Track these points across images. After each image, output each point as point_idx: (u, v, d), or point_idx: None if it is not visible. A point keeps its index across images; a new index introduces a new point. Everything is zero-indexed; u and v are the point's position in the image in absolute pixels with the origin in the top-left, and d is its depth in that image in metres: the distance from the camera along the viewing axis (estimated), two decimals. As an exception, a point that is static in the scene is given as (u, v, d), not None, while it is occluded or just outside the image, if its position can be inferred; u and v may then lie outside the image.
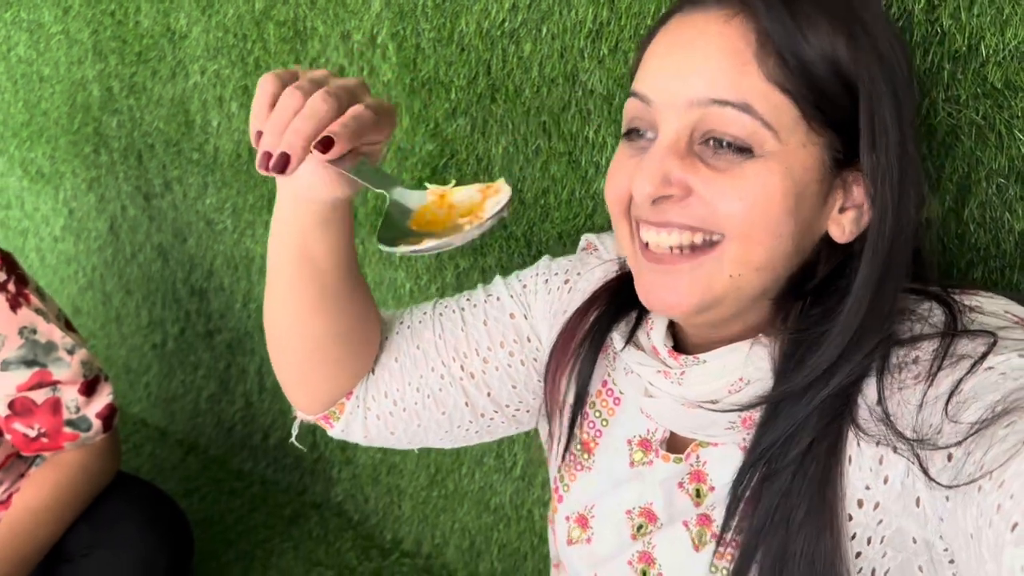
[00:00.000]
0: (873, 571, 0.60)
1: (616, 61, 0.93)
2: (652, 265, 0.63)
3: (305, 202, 0.69)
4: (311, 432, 1.68)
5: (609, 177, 0.65)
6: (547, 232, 1.09)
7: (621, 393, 0.76)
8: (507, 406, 0.84)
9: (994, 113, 0.73)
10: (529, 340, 0.82)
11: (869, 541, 0.60)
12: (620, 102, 0.95)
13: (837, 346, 0.59)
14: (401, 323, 0.86)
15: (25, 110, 1.92)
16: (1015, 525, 0.45)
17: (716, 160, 0.59)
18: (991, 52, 0.71)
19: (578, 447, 0.78)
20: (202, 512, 1.74)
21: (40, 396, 1.24)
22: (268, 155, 0.60)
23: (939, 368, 0.56)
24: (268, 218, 1.48)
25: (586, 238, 0.86)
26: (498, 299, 0.84)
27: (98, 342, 2.10)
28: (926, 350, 0.58)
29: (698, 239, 0.60)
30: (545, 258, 0.86)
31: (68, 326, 1.30)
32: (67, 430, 1.27)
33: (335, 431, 0.87)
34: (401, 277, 1.32)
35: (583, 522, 0.76)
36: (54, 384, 1.24)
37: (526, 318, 0.83)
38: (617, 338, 0.74)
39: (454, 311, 0.84)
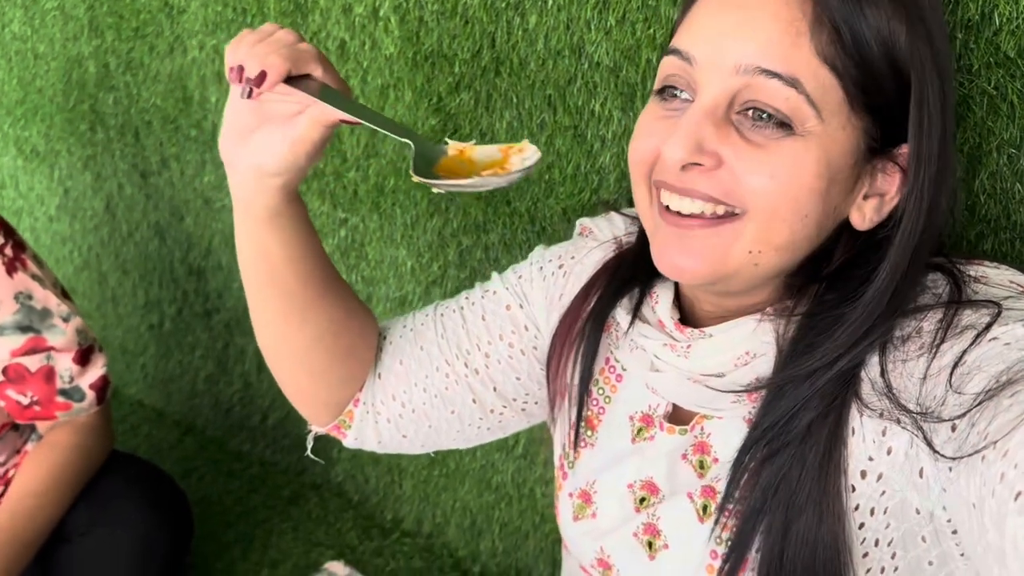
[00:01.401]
0: (876, 542, 0.60)
1: (623, 32, 0.92)
2: (670, 228, 0.61)
3: (255, 190, 0.69)
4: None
5: (635, 136, 0.63)
6: (551, 208, 1.08)
7: (624, 370, 0.76)
8: (514, 400, 0.84)
9: (1006, 83, 0.72)
10: (527, 329, 0.82)
11: (872, 512, 0.60)
12: (627, 75, 0.94)
13: (852, 333, 0.59)
14: (404, 327, 0.86)
15: (20, 88, 1.90)
16: (1019, 494, 0.45)
17: (753, 133, 0.57)
18: (1004, 21, 0.71)
19: (582, 424, 0.78)
20: (200, 493, 1.74)
21: (34, 363, 1.23)
22: (246, 76, 0.63)
23: (942, 339, 0.56)
24: (267, 196, 1.47)
25: (581, 222, 0.85)
26: (494, 293, 0.84)
27: (94, 322, 2.09)
28: (930, 321, 0.58)
29: (720, 210, 0.59)
30: (539, 247, 0.86)
31: (64, 295, 1.29)
32: (60, 399, 1.26)
33: (348, 440, 0.87)
34: (403, 255, 1.32)
35: (586, 498, 0.76)
36: (48, 351, 1.23)
37: (522, 307, 0.82)
38: (622, 315, 0.73)
39: (454, 311, 0.84)
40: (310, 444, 0.89)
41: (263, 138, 0.67)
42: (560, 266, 0.82)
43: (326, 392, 0.83)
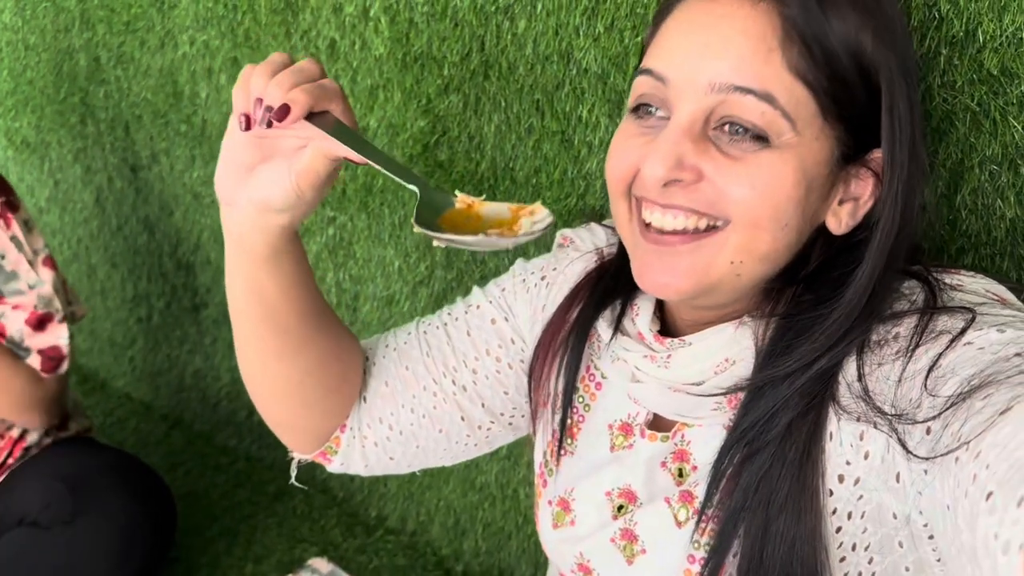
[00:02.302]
0: (854, 546, 0.61)
1: (611, 39, 0.93)
2: (651, 246, 0.61)
3: (255, 227, 0.67)
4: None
5: (612, 154, 0.63)
6: (538, 211, 1.08)
7: (604, 378, 0.76)
8: (502, 414, 0.84)
9: (989, 99, 0.72)
10: (513, 342, 0.82)
11: (850, 516, 0.60)
12: (615, 81, 0.95)
13: (831, 334, 0.59)
14: (386, 346, 0.84)
15: (10, 79, 1.89)
16: (990, 494, 0.45)
17: (731, 147, 0.58)
18: (988, 38, 0.71)
19: (564, 434, 0.79)
20: (186, 487, 1.74)
21: None
22: (269, 108, 0.60)
23: (918, 344, 0.57)
24: (256, 192, 1.47)
25: (561, 233, 0.85)
26: (478, 307, 0.83)
27: (83, 315, 2.08)
28: (906, 326, 0.59)
29: (702, 224, 0.59)
30: (519, 261, 0.86)
31: (51, 265, 1.28)
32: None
33: (334, 466, 0.85)
34: (390, 254, 1.32)
35: (565, 505, 0.76)
36: (2, 305, 1.22)
37: (507, 320, 0.82)
38: (603, 327, 0.74)
39: (437, 327, 0.83)
40: (294, 472, 0.87)
41: (267, 173, 0.64)
42: (543, 278, 0.82)
43: (314, 422, 0.81)
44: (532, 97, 1.02)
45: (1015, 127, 0.72)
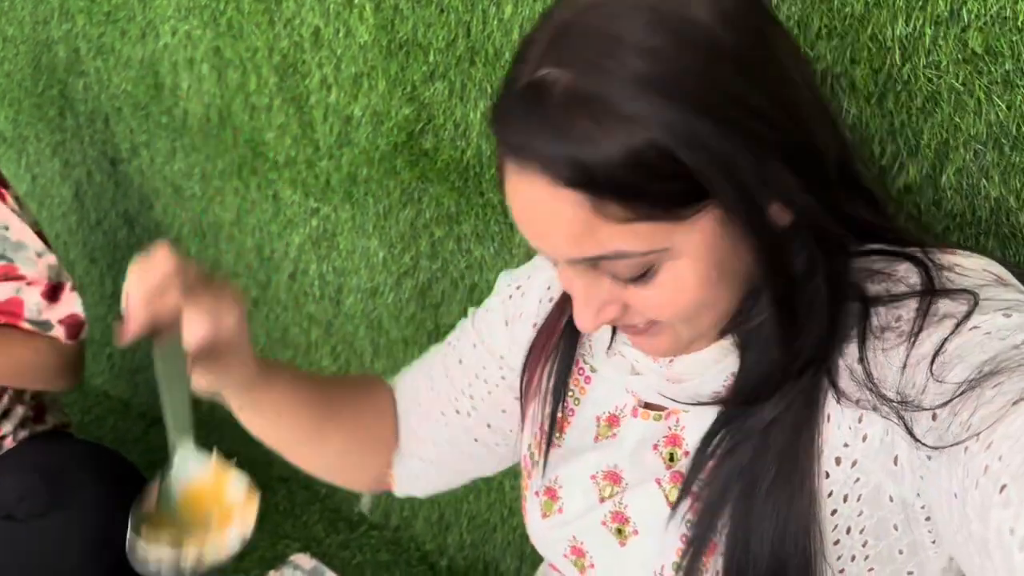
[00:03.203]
0: (848, 530, 0.60)
1: (598, 24, 0.93)
2: (628, 334, 0.66)
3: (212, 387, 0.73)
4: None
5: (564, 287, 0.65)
6: (524, 199, 1.08)
7: (593, 371, 0.77)
8: (510, 431, 0.85)
9: (974, 79, 0.73)
10: (502, 358, 0.84)
11: (845, 499, 0.60)
12: (601, 66, 0.95)
13: (775, 333, 0.60)
14: (404, 384, 0.89)
15: (-13, 72, 1.87)
16: (1003, 487, 0.45)
17: (628, 284, 0.58)
18: (973, 17, 0.71)
19: (548, 425, 0.79)
20: (166, 484, 1.71)
21: (3, 291, 1.23)
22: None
23: (920, 328, 0.56)
24: (237, 184, 1.46)
25: None
26: (464, 333, 0.86)
27: (60, 312, 2.06)
28: (907, 310, 0.58)
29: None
30: (503, 273, 0.87)
31: (42, 238, 1.28)
32: (27, 326, 1.26)
33: (399, 492, 0.91)
34: (374, 245, 1.31)
35: (552, 494, 0.76)
36: (19, 280, 1.23)
37: (484, 342, 0.84)
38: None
39: (440, 358, 0.87)
40: (368, 508, 0.93)
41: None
42: (518, 287, 0.84)
43: (363, 473, 0.89)
44: (518, 83, 1.02)
45: (999, 106, 0.73)
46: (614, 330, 0.74)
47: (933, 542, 0.59)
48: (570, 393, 0.78)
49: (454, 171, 1.13)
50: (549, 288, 0.82)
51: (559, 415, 0.78)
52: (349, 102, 1.21)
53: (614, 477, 0.72)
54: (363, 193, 1.27)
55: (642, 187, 0.52)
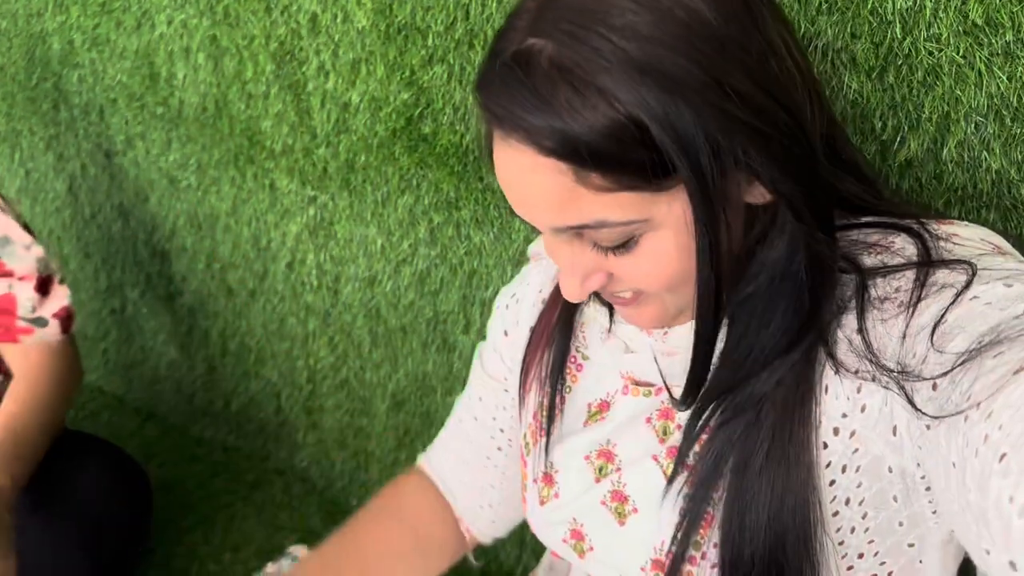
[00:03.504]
0: (847, 501, 0.60)
1: (598, 3, 0.93)
2: (615, 304, 0.67)
3: None
4: (275, 396, 1.66)
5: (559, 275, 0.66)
6: (523, 182, 1.08)
7: (585, 359, 0.77)
8: None
9: (974, 51, 0.73)
10: (505, 379, 0.88)
11: (844, 469, 0.60)
12: (601, 46, 0.95)
13: (761, 305, 0.61)
14: (438, 453, 0.97)
15: (-20, 66, 1.86)
16: (1003, 456, 0.45)
17: (610, 253, 0.59)
18: (973, -11, 0.72)
19: (544, 416, 0.79)
20: (161, 479, 1.70)
21: None
22: None
23: (920, 297, 0.56)
24: (234, 174, 1.45)
25: (530, 248, 0.89)
26: (475, 371, 0.92)
27: (54, 308, 2.04)
28: (906, 280, 0.58)
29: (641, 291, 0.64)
30: (502, 290, 0.89)
31: (27, 229, 1.28)
32: (22, 324, 1.25)
33: (488, 542, 0.99)
34: (372, 233, 1.30)
35: (548, 480, 0.77)
36: (9, 276, 1.22)
37: (490, 374, 0.89)
38: (591, 313, 0.76)
39: (463, 415, 0.93)
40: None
41: None
42: (513, 295, 0.86)
43: (447, 556, 0.97)
44: (518, 65, 1.02)
45: (1000, 77, 0.73)
46: (611, 313, 0.74)
47: (934, 512, 0.59)
48: (561, 381, 0.79)
49: (453, 156, 1.13)
50: (540, 291, 0.83)
51: (554, 407, 0.79)
52: (347, 88, 1.20)
53: (607, 455, 0.72)
54: (361, 180, 1.27)
55: (622, 158, 0.53)
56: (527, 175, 0.56)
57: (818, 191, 0.58)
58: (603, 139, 0.52)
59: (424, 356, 1.35)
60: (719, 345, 0.63)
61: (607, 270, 0.61)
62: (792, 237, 0.59)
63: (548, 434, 0.78)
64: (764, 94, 0.54)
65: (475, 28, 1.04)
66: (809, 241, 0.58)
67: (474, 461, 0.92)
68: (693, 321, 0.66)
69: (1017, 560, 0.43)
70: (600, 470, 0.73)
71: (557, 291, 0.80)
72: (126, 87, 1.56)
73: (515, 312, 0.85)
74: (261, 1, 1.25)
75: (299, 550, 1.47)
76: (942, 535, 0.61)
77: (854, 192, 0.64)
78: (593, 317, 0.76)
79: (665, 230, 0.57)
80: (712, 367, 0.63)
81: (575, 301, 0.64)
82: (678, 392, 0.68)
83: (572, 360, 0.78)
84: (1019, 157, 0.74)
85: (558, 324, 0.79)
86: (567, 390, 0.78)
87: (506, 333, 0.86)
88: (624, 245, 0.58)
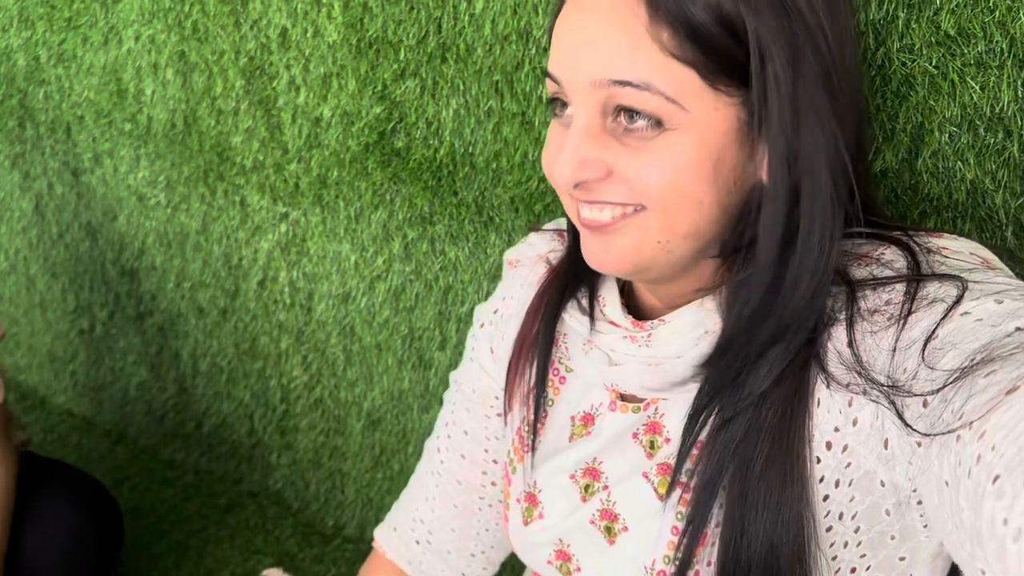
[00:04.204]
0: (840, 516, 0.60)
1: (571, 16, 0.92)
2: (588, 232, 0.63)
3: None
4: (248, 417, 1.63)
5: (544, 153, 0.65)
6: (499, 197, 1.07)
7: (568, 371, 0.76)
8: None
9: (947, 61, 0.73)
10: (496, 398, 0.85)
11: (837, 484, 0.59)
12: (574, 58, 0.94)
13: (761, 288, 0.59)
14: (406, 516, 0.91)
15: (-57, 83, 1.82)
16: (996, 477, 0.44)
17: (629, 138, 0.58)
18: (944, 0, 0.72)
19: (527, 430, 0.78)
20: (132, 503, 1.67)
21: None
22: None
23: (911, 311, 0.55)
24: (204, 191, 1.43)
25: (506, 257, 0.86)
26: (453, 404, 0.88)
27: (21, 330, 2.00)
28: (896, 293, 0.57)
29: (629, 209, 0.60)
30: (477, 307, 0.87)
31: None
32: None
33: None
34: (346, 249, 1.29)
35: (532, 500, 0.75)
36: None
37: (478, 397, 0.85)
38: (575, 323, 0.73)
39: (442, 457, 0.88)
40: None
41: None
42: (495, 311, 0.84)
43: None
44: (491, 79, 1.01)
45: (973, 87, 0.73)
46: (591, 318, 0.72)
47: (925, 527, 0.58)
48: (544, 395, 0.77)
49: (427, 170, 1.12)
50: (526, 304, 0.81)
51: (536, 421, 0.77)
52: (318, 103, 1.19)
53: (593, 473, 0.71)
54: (333, 196, 1.25)
55: (704, 34, 0.54)
56: (600, 9, 0.56)
57: (845, 170, 0.58)
58: (704, 7, 0.54)
59: (400, 373, 1.33)
60: (713, 337, 0.62)
61: (611, 165, 0.59)
62: (766, 224, 0.58)
63: (533, 450, 0.77)
64: (844, 67, 0.57)
65: (447, 42, 1.03)
66: (812, 224, 0.57)
67: (466, 506, 0.87)
68: (676, 320, 0.65)
69: None
70: (586, 488, 0.71)
71: (538, 300, 0.78)
72: (93, 104, 1.53)
73: (500, 328, 0.82)
74: (230, 16, 1.24)
75: (274, 573, 1.45)
76: (932, 548, 0.61)
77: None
78: (574, 328, 0.74)
79: (694, 135, 0.56)
80: (710, 355, 0.62)
81: (564, 181, 0.60)
82: (669, 406, 0.67)
83: (555, 372, 0.77)
84: (993, 167, 0.74)
85: (539, 335, 0.77)
86: (549, 403, 0.76)
87: (492, 351, 0.83)
88: (647, 132, 0.57)
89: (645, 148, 0.57)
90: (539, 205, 1.04)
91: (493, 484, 0.86)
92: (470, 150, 1.07)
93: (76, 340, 1.90)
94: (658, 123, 0.56)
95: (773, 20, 0.55)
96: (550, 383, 0.77)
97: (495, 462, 0.85)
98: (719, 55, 0.55)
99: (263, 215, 1.37)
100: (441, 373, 1.28)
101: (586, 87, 0.58)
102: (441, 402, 0.93)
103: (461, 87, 1.04)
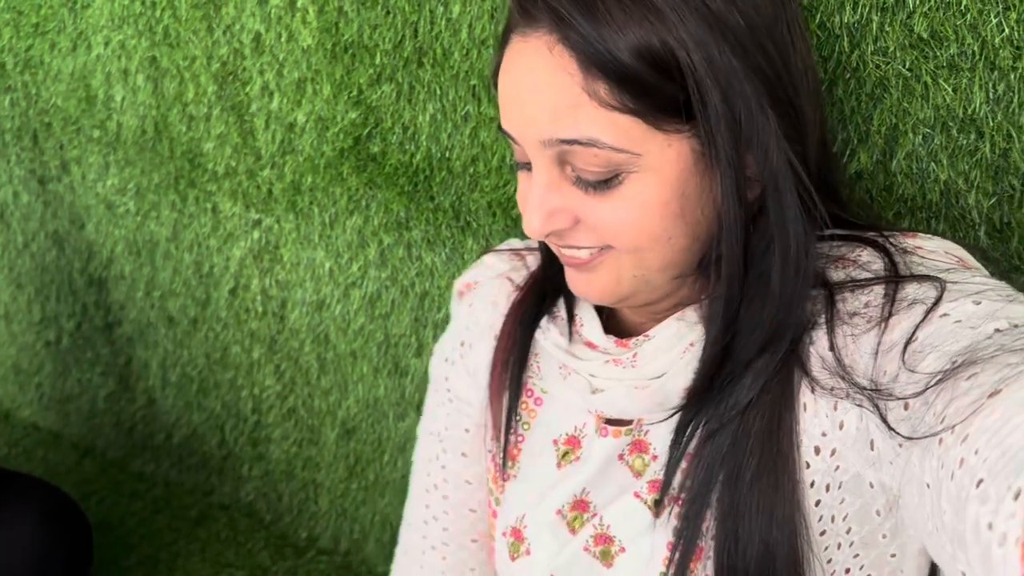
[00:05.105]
0: (833, 518, 0.60)
1: (548, 20, 0.92)
2: (570, 267, 0.64)
3: None
4: (219, 428, 1.61)
5: (519, 203, 0.65)
6: (476, 202, 1.07)
7: (544, 392, 0.74)
8: None
9: (920, 64, 0.74)
10: (473, 430, 0.81)
11: (828, 488, 0.59)
12: (552, 62, 0.94)
13: (734, 303, 0.59)
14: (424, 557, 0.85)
15: (-96, 90, 1.79)
16: (980, 481, 0.44)
17: (591, 187, 0.58)
18: (917, 3, 0.73)
19: (501, 457, 0.76)
20: (100, 517, 1.63)
21: None
22: None
23: (890, 313, 0.55)
24: (174, 198, 1.41)
25: (456, 287, 0.84)
26: (429, 447, 0.83)
27: (-16, 342, 1.96)
28: (875, 295, 0.57)
29: (603, 247, 0.61)
30: (435, 347, 0.85)
31: None
32: None
33: None
34: (320, 256, 1.28)
35: (518, 535, 0.73)
36: None
37: (451, 426, 0.82)
38: (549, 344, 0.72)
39: (428, 500, 0.83)
40: None
41: None
42: (461, 343, 0.81)
43: None
44: (468, 83, 1.01)
45: (945, 89, 0.74)
46: (571, 322, 0.72)
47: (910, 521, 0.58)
48: (518, 418, 0.75)
49: (403, 175, 1.11)
50: (492, 327, 0.79)
51: (510, 446, 0.75)
52: (292, 108, 1.18)
53: (581, 505, 0.70)
54: (308, 202, 1.24)
55: (638, 80, 0.54)
56: (535, 73, 0.56)
57: (807, 191, 0.58)
58: (629, 54, 0.53)
59: (375, 381, 1.32)
60: (698, 348, 0.62)
61: (577, 214, 0.59)
62: (778, 231, 0.58)
63: (504, 480, 0.75)
64: (789, 78, 0.56)
65: (424, 46, 1.03)
66: (785, 238, 0.58)
67: (483, 565, 0.83)
68: (660, 334, 0.64)
69: None
70: (574, 521, 0.70)
71: (512, 319, 0.76)
72: (61, 110, 1.51)
73: (472, 358, 0.80)
74: (203, 21, 1.22)
75: (246, 586, 1.42)
76: (919, 544, 0.61)
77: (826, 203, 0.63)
78: (548, 350, 0.73)
79: (652, 176, 0.56)
80: (694, 374, 0.62)
81: (534, 236, 0.60)
82: (654, 423, 0.66)
83: (529, 394, 0.75)
84: (966, 167, 0.75)
85: (513, 353, 0.75)
86: (525, 427, 0.75)
87: (471, 380, 0.80)
88: (607, 183, 0.57)
89: (607, 196, 0.58)
90: (516, 210, 1.03)
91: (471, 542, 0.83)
92: (447, 155, 1.06)
93: (42, 352, 1.86)
94: (615, 172, 0.57)
95: (703, 48, 0.54)
96: (523, 405, 0.75)
97: (472, 510, 0.82)
98: (659, 98, 0.55)
99: (235, 222, 1.35)
100: (417, 380, 1.27)
101: (537, 144, 0.58)
102: (418, 409, 0.92)
103: (438, 92, 1.04)
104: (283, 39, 1.15)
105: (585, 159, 0.56)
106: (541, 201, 0.59)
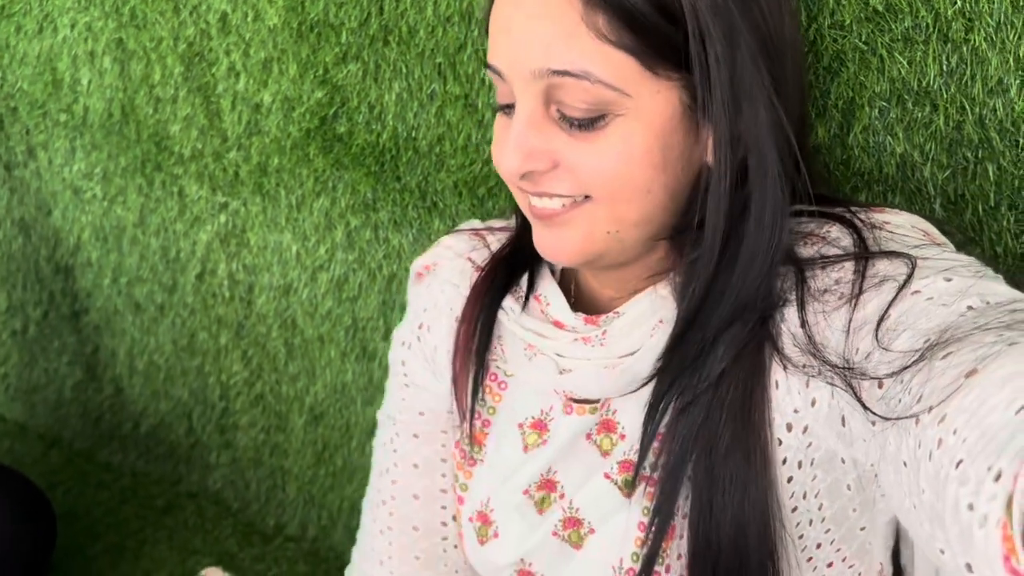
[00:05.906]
0: (804, 495, 0.60)
1: (512, -4, 0.92)
2: (539, 222, 0.63)
3: None
4: (186, 416, 1.60)
5: (492, 148, 0.64)
6: (442, 182, 1.07)
7: (508, 376, 0.74)
8: None
9: (876, 37, 0.75)
10: (449, 412, 0.79)
11: (800, 465, 0.59)
12: (516, 39, 0.94)
13: (712, 267, 0.59)
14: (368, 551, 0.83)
15: None
16: (960, 462, 0.44)
17: (574, 128, 0.58)
18: (873, -24, 0.74)
19: (467, 443, 0.76)
20: (66, 507, 1.61)
21: None
22: None
23: (861, 290, 0.55)
24: (141, 182, 1.40)
25: (415, 267, 0.83)
26: (393, 435, 0.81)
27: (-52, 332, 1.94)
28: (846, 272, 0.57)
29: (578, 198, 0.60)
30: (394, 334, 0.83)
31: None
32: None
33: None
34: (287, 239, 1.27)
35: (485, 519, 0.73)
36: None
37: (422, 414, 0.80)
38: (512, 324, 0.71)
39: (393, 496, 0.80)
40: None
41: None
42: (420, 325, 0.80)
43: None
44: (434, 61, 1.01)
45: (901, 62, 0.75)
46: (537, 300, 0.71)
47: (883, 496, 0.59)
48: (481, 404, 0.74)
49: (370, 155, 1.11)
50: (452, 309, 0.78)
51: (475, 430, 0.75)
52: (258, 89, 1.18)
53: (549, 485, 0.69)
54: (274, 184, 1.24)
55: (640, 17, 0.53)
56: (534, 2, 0.55)
57: (791, 147, 0.58)
58: (636, 1, 0.53)
59: (343, 366, 1.31)
60: (667, 326, 0.61)
61: (557, 157, 0.58)
62: (713, 207, 0.58)
63: (470, 465, 0.75)
64: (778, 33, 0.57)
65: (389, 24, 1.03)
66: (761, 203, 0.57)
67: (427, 553, 0.79)
68: (630, 310, 0.64)
69: (974, 563, 0.42)
70: (542, 501, 0.69)
71: (473, 299, 0.75)
72: (27, 94, 1.49)
73: (431, 341, 0.78)
74: (169, 1, 1.22)
75: (213, 572, 1.41)
76: (887, 516, 0.61)
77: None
78: (512, 331, 0.72)
79: (637, 123, 0.56)
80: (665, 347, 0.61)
81: (510, 173, 0.59)
82: (621, 402, 0.66)
83: (492, 378, 0.74)
84: (921, 140, 0.76)
85: (476, 335, 0.74)
86: (490, 411, 0.74)
87: (430, 365, 0.79)
88: (592, 122, 0.56)
89: (590, 138, 0.57)
90: (483, 188, 1.03)
91: (454, 519, 0.79)
92: (413, 134, 1.06)
93: (8, 342, 1.84)
94: (602, 112, 0.56)
95: (730, 19, 0.54)
96: (487, 389, 0.74)
97: (445, 510, 0.80)
98: (657, 39, 0.55)
99: (201, 205, 1.34)
100: (385, 364, 1.27)
101: (526, 77, 0.57)
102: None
103: (404, 70, 1.04)
104: (249, 18, 1.14)
105: (574, 94, 0.56)
106: (521, 138, 0.58)
